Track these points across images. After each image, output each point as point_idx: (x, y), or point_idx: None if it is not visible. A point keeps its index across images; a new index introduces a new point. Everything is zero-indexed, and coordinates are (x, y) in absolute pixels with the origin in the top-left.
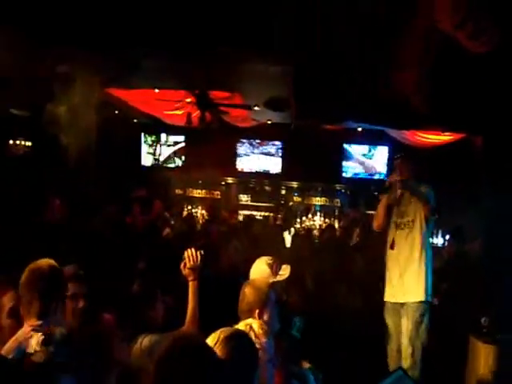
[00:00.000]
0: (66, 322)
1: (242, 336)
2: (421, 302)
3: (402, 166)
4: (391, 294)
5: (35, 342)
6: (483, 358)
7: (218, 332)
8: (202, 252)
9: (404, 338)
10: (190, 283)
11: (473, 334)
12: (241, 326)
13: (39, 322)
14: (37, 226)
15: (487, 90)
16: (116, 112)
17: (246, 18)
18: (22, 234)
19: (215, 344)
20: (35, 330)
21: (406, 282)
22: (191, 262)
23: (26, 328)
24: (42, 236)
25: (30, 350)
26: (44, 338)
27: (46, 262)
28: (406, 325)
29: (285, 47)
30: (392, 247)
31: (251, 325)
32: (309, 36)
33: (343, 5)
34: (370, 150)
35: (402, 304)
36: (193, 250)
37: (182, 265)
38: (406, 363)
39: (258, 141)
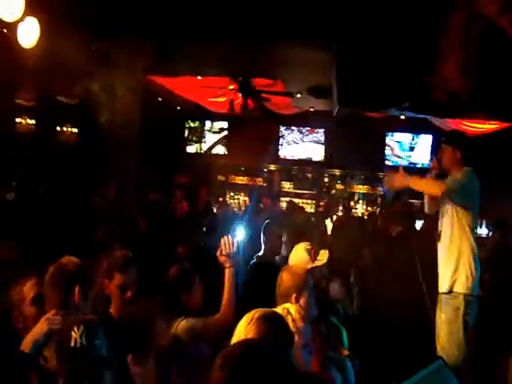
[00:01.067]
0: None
1: (276, 317)
2: (452, 293)
3: (443, 151)
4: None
5: (77, 334)
6: None
7: (253, 312)
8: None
9: (437, 331)
10: (226, 270)
11: None
12: (278, 309)
13: (53, 312)
14: (85, 211)
15: None
16: (159, 99)
17: (290, 5)
18: (69, 219)
19: (249, 323)
20: (49, 320)
21: (441, 271)
22: (227, 250)
23: (41, 320)
24: (89, 220)
25: (73, 343)
26: (87, 329)
27: (67, 260)
28: (439, 316)
29: (328, 34)
30: (438, 238)
31: (289, 309)
32: (352, 24)
33: None
34: (413, 139)
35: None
36: (229, 236)
37: (219, 252)
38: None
39: (305, 129)
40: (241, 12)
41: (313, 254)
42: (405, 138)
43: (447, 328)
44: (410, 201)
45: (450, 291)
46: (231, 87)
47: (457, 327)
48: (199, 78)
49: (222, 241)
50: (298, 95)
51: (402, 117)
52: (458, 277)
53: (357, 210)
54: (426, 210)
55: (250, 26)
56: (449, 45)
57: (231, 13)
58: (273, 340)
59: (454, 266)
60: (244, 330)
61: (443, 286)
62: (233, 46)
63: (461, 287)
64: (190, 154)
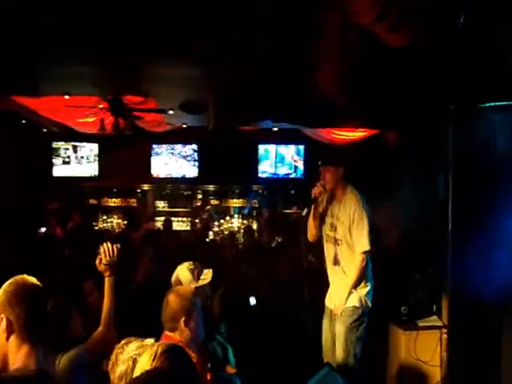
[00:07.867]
0: None
1: (179, 348)
2: (353, 306)
3: (325, 173)
4: (329, 300)
5: None
6: (404, 344)
7: (155, 346)
8: (119, 246)
9: (337, 341)
10: (106, 279)
11: (393, 323)
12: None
13: None
14: None
15: (401, 85)
16: (23, 122)
17: (159, 19)
18: None
19: (153, 359)
20: None
21: (339, 288)
22: (107, 258)
23: None
24: None
25: None
26: None
27: None
28: (339, 328)
29: (198, 48)
30: (335, 263)
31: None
32: (223, 36)
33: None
34: (285, 149)
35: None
36: (108, 244)
37: (98, 260)
38: (337, 360)
39: (178, 145)
40: (108, 28)
41: (196, 274)
42: (275, 149)
43: (345, 338)
44: (285, 211)
45: (352, 305)
46: (101, 106)
47: (355, 337)
48: (66, 97)
49: (101, 249)
50: (171, 112)
51: (275, 128)
52: (357, 292)
53: (233, 225)
54: (310, 236)
55: (118, 42)
56: (324, 53)
57: (97, 28)
58: (178, 373)
59: (354, 282)
60: (149, 366)
61: (342, 300)
62: (100, 63)
63: (360, 301)
64: (59, 177)
